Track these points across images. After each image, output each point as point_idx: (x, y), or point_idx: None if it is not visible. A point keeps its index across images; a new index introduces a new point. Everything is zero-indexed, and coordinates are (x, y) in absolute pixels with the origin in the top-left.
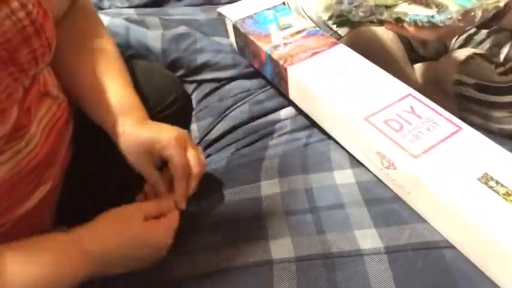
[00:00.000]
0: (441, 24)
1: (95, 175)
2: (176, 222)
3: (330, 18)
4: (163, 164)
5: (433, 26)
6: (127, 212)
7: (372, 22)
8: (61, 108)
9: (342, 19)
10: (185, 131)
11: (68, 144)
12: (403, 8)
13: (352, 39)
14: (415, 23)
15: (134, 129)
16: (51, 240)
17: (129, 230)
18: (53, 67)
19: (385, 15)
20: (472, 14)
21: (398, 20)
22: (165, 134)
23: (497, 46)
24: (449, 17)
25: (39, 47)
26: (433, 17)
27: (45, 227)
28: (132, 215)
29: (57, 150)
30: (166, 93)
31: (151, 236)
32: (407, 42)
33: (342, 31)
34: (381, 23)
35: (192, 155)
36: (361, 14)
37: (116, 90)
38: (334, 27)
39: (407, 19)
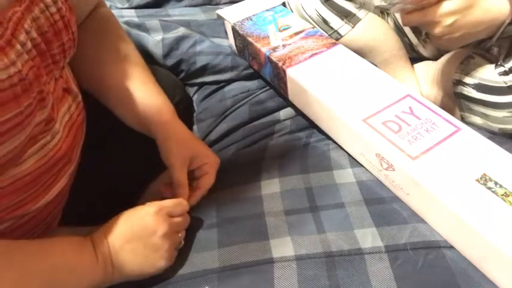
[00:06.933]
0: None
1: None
2: (186, 222)
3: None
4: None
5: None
6: (141, 211)
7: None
8: (79, 107)
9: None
10: None
11: (81, 144)
12: None
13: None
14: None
15: (188, 135)
16: (66, 240)
17: (140, 221)
18: (76, 66)
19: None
20: None
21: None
22: (212, 155)
23: (498, 46)
24: None
25: (67, 40)
26: None
27: (54, 224)
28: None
29: (74, 148)
30: (169, 95)
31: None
32: (407, 42)
33: (343, 30)
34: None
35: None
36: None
37: (150, 88)
38: (334, 26)
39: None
